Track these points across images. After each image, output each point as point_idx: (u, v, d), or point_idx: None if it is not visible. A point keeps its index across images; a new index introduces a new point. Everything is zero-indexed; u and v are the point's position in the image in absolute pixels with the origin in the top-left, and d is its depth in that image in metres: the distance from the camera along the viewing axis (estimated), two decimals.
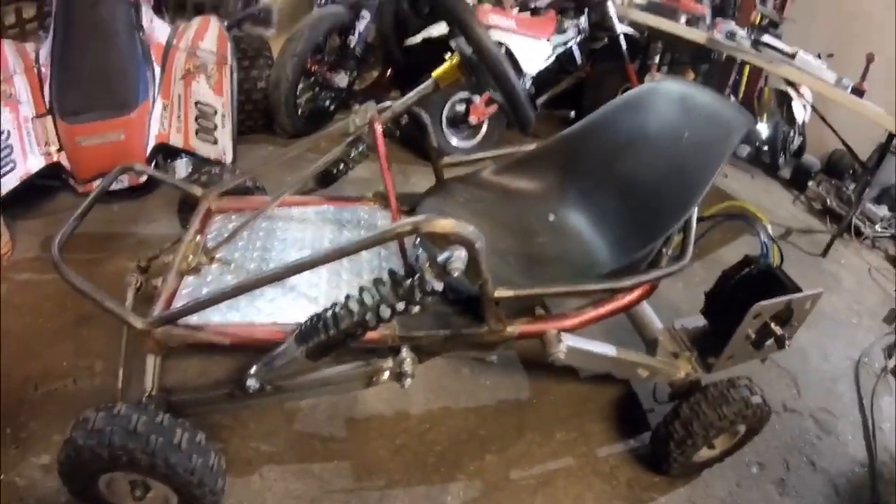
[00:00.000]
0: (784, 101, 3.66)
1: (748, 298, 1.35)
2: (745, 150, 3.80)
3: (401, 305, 1.00)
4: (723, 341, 1.41)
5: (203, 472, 1.10)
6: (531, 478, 1.49)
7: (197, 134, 2.31)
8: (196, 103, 2.27)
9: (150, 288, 1.40)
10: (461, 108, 2.97)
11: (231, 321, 1.21)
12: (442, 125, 2.90)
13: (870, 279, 2.87)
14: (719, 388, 1.46)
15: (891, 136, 2.63)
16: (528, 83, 3.12)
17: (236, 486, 1.35)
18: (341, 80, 2.97)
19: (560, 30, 3.12)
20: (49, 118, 1.96)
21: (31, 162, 1.92)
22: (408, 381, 1.20)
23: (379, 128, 1.36)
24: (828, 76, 2.77)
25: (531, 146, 1.75)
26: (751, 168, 3.81)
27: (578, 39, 3.26)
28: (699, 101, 1.52)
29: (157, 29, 2.28)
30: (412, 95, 1.39)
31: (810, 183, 3.62)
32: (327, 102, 3.05)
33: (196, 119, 2.29)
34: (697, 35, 3.11)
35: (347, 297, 1.05)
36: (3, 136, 1.87)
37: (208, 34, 2.30)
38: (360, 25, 2.92)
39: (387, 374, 1.22)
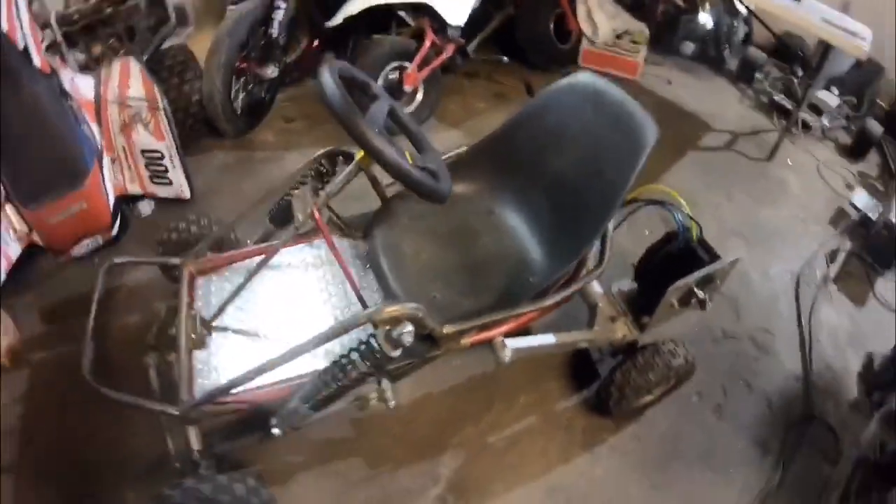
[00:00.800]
0: None
1: (672, 269, 1.62)
2: (690, 48, 3.66)
3: (372, 369, 1.34)
4: (652, 305, 1.69)
5: None
6: (504, 440, 1.90)
7: (152, 180, 2.45)
8: (142, 152, 2.39)
9: (165, 363, 1.68)
10: (394, 76, 3.07)
11: (245, 388, 1.51)
12: None
13: (819, 178, 2.79)
14: (645, 357, 1.76)
15: None
16: (459, 33, 3.17)
17: (280, 494, 1.66)
18: (272, 72, 3.03)
19: None
20: (11, 206, 2.06)
21: (11, 250, 2.06)
22: (391, 403, 1.55)
23: (318, 215, 1.50)
24: None
25: (462, 149, 1.96)
26: (695, 66, 3.66)
27: None
28: (609, 99, 1.69)
29: (81, 86, 2.30)
30: (341, 179, 1.52)
31: (757, 75, 3.45)
32: (263, 94, 3.12)
33: (146, 166, 2.42)
34: None
35: (334, 363, 1.37)
36: None
37: (132, 81, 2.34)
38: (279, 15, 2.92)
39: (374, 401, 1.56)
